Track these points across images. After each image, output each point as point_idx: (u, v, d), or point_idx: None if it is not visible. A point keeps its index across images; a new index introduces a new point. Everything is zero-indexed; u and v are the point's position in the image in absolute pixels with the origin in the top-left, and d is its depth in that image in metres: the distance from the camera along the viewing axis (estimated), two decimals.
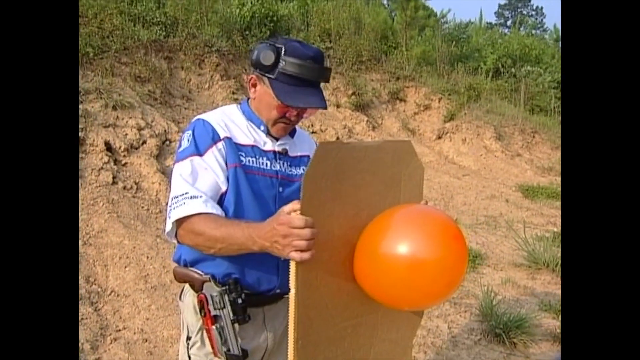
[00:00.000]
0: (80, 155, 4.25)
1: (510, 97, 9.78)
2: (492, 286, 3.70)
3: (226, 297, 1.34)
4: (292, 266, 1.12)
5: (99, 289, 3.22)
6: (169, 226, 1.32)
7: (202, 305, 1.37)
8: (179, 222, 1.30)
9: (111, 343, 2.80)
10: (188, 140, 1.38)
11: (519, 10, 37.15)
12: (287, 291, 1.42)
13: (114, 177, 4.28)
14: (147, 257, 3.55)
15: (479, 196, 6.56)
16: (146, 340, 2.84)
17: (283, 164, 1.45)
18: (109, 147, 4.49)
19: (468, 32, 11.78)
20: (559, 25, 14.86)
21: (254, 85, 1.42)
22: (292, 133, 1.52)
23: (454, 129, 8.51)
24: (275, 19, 7.62)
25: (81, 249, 3.49)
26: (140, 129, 4.82)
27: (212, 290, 1.36)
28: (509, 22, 33.43)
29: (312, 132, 6.70)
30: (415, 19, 9.84)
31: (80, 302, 2.99)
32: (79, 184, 4.00)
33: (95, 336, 2.80)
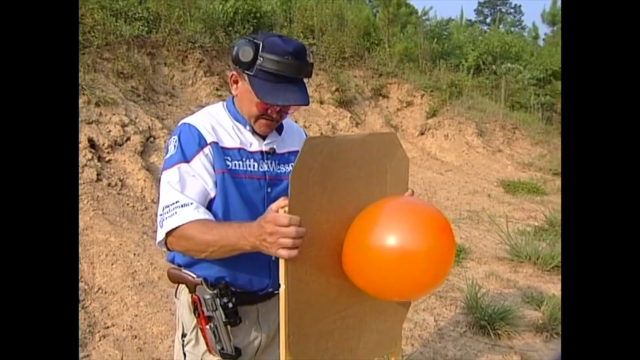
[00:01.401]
0: None
1: (491, 94, 9.91)
2: (476, 279, 3.77)
3: (218, 300, 1.36)
4: (282, 262, 1.13)
5: (86, 287, 3.20)
6: (160, 236, 1.32)
7: (196, 306, 1.39)
8: (170, 231, 1.30)
9: (100, 340, 2.78)
10: (174, 146, 1.37)
11: (497, 8, 37.60)
12: (279, 288, 1.44)
13: (98, 174, 4.24)
14: (134, 254, 3.54)
15: (462, 191, 6.66)
16: (136, 337, 2.84)
17: (271, 163, 1.44)
18: (92, 143, 4.44)
19: (449, 29, 11.87)
20: (537, 23, 15.07)
21: (236, 82, 1.40)
22: (280, 129, 1.50)
23: (437, 125, 8.60)
24: (258, 15, 7.60)
25: None
26: (124, 125, 4.78)
27: (204, 292, 1.38)
28: (488, 20, 33.81)
29: None
30: (397, 16, 9.90)
31: None
32: None
33: (84, 333, 2.79)
